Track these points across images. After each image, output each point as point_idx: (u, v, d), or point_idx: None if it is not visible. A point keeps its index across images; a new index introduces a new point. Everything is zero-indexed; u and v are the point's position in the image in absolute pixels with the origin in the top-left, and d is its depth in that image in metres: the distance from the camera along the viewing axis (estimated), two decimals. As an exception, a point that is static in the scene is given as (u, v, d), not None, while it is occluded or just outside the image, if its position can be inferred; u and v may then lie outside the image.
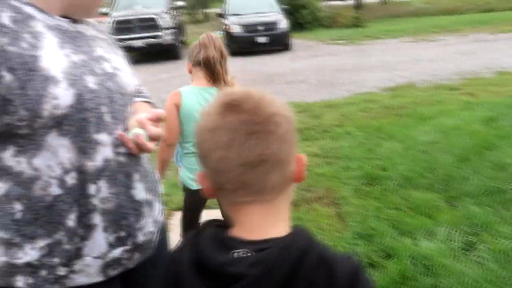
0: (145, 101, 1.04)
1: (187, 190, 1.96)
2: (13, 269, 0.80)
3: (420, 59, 8.00)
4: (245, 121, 0.55)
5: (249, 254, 0.55)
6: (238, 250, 0.55)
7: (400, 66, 7.46)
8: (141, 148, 0.85)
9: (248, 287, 0.52)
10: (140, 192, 0.89)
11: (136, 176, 0.88)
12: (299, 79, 6.97)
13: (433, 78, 6.31)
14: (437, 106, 4.75)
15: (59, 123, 0.77)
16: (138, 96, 1.03)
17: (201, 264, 0.55)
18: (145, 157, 0.94)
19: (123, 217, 0.86)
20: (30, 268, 0.80)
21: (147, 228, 0.92)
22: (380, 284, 1.87)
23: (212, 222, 0.62)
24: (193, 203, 2.04)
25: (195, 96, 1.79)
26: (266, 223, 0.58)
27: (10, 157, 0.78)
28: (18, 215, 0.79)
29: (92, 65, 0.84)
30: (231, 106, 0.57)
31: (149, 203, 0.93)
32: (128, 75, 0.93)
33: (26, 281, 0.80)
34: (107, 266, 0.85)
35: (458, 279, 1.88)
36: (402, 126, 4.12)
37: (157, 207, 0.98)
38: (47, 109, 0.75)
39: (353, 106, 5.05)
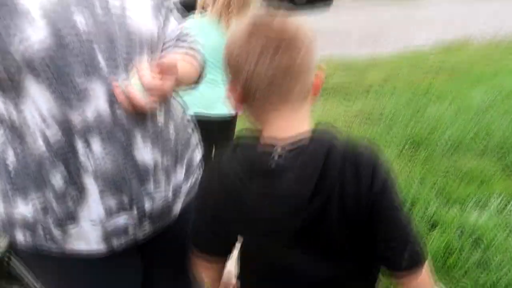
0: (187, 51, 0.88)
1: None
2: (12, 222, 0.76)
3: (479, 13, 7.29)
4: (273, 37, 0.62)
5: (286, 150, 0.63)
6: (276, 149, 0.64)
7: (456, 20, 6.83)
8: (132, 103, 0.71)
9: (293, 177, 0.62)
10: (145, 153, 0.77)
11: (140, 135, 0.76)
12: (342, 34, 6.56)
13: (492, 35, 5.74)
14: (495, 66, 4.33)
15: (32, 66, 0.66)
16: (177, 45, 0.88)
17: (251, 168, 0.65)
18: (162, 115, 0.81)
19: (123, 181, 0.75)
20: (27, 224, 0.75)
21: (161, 195, 0.82)
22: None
23: (242, 137, 0.70)
24: (204, 137, 2.01)
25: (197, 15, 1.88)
26: (294, 124, 0.65)
27: (1, 104, 0.70)
28: (11, 166, 0.72)
29: (90, 2, 0.71)
30: (260, 26, 0.64)
31: (166, 168, 0.81)
32: (146, 19, 0.79)
33: (25, 236, 0.76)
34: (108, 234, 0.78)
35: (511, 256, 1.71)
36: (455, 86, 3.79)
37: (182, 173, 0.86)
38: (18, 50, 0.64)
39: (400, 63, 4.70)
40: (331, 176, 0.62)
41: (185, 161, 0.88)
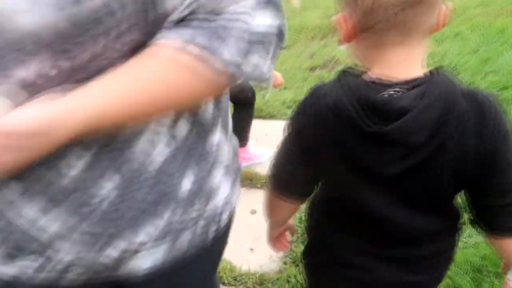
0: (187, 46, 0.45)
1: None
2: None
3: None
4: None
5: (404, 89, 0.60)
6: (393, 87, 0.60)
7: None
8: None
9: (415, 118, 0.58)
10: (30, 213, 0.50)
11: (21, 188, 0.49)
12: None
13: None
14: None
15: None
16: (175, 30, 0.46)
17: (359, 102, 0.60)
18: (82, 165, 0.48)
19: (10, 233, 0.51)
20: None
21: (85, 256, 0.55)
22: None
23: (345, 71, 0.65)
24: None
25: None
26: (411, 63, 0.62)
27: None
28: None
29: None
30: None
31: (90, 235, 0.53)
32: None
33: None
34: (12, 276, 0.56)
35: None
36: (536, 30, 3.25)
37: (139, 239, 0.56)
38: None
39: (466, 0, 4.11)
40: (451, 122, 0.60)
41: (148, 227, 0.56)
